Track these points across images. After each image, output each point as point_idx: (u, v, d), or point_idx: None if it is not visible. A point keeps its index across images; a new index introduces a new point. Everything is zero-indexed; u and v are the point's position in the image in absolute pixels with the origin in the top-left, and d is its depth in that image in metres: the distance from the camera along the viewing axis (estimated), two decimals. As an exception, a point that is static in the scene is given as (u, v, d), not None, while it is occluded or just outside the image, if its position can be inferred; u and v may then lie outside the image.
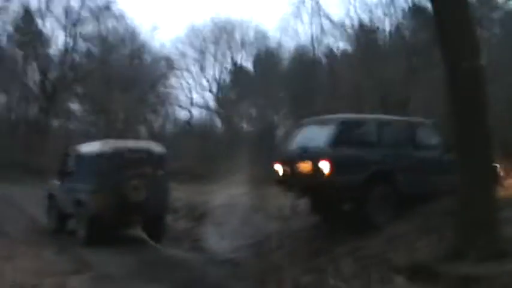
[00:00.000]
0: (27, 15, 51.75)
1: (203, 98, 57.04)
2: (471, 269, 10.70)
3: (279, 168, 16.01)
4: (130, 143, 19.53)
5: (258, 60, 56.04)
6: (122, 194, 17.06)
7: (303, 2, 15.19)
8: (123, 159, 17.56)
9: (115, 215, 17.45)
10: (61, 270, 13.27)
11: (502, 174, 18.08)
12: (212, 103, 56.22)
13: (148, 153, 18.09)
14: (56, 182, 20.71)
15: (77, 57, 54.13)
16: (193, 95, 57.26)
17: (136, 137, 48.98)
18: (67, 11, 51.14)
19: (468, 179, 11.64)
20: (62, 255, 15.36)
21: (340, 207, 16.45)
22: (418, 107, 32.62)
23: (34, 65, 54.70)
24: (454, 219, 12.14)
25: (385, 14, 33.74)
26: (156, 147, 18.60)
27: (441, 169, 14.90)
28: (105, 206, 17.21)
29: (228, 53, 56.19)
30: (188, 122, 55.81)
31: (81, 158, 18.83)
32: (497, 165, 16.63)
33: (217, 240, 17.21)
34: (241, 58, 57.30)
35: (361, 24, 36.43)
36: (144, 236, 17.35)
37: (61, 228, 20.00)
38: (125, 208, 17.22)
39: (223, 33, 55.88)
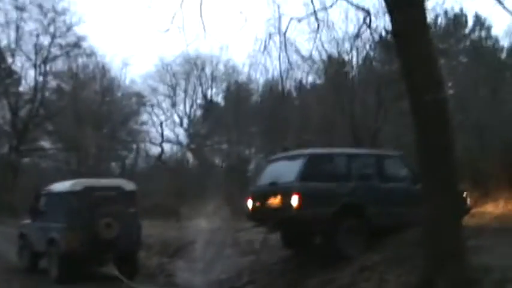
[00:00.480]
0: (-3, 52, 51.58)
1: (174, 133, 57.01)
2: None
3: (250, 203, 16.14)
4: (102, 181, 19.58)
5: (228, 95, 56.18)
6: (94, 232, 17.09)
7: (270, 37, 15.37)
8: (95, 197, 17.60)
9: (87, 252, 17.46)
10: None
11: (469, 202, 18.29)
12: (184, 138, 56.22)
13: (120, 190, 18.14)
14: (28, 221, 20.66)
15: (47, 94, 54.00)
16: (164, 130, 57.21)
17: (108, 173, 48.82)
18: (37, 48, 50.98)
19: (434, 209, 11.81)
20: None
21: (311, 240, 16.57)
22: (388, 139, 32.97)
23: (4, 102, 54.43)
24: (423, 250, 12.30)
25: (352, 47, 34.04)
26: (127, 184, 18.65)
27: (410, 200, 15.04)
28: (77, 244, 17.22)
29: (199, 88, 56.34)
30: (160, 158, 55.69)
31: (53, 196, 18.87)
32: (466, 194, 16.88)
33: (191, 276, 17.20)
34: (212, 93, 57.49)
35: (330, 57, 36.68)
36: (117, 273, 17.28)
37: (33, 267, 19.94)
38: (97, 245, 17.23)
39: (193, 69, 56.03)
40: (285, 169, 15.51)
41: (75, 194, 17.66)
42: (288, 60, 17.03)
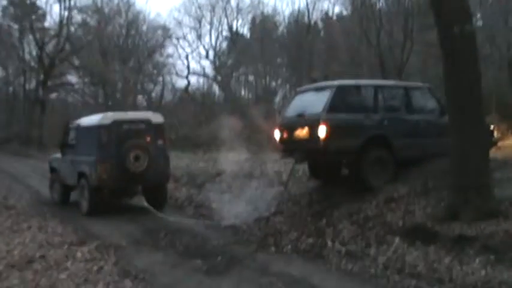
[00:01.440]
0: (21, -12, 51.67)
1: (201, 65, 57.09)
2: (466, 229, 10.99)
3: (277, 134, 16.23)
4: (130, 114, 19.69)
5: (254, 27, 55.95)
6: (123, 165, 17.30)
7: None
8: (123, 130, 17.77)
9: (117, 185, 17.75)
10: (67, 241, 13.49)
11: (497, 135, 18.31)
12: (210, 70, 56.25)
13: (148, 123, 18.26)
14: (58, 155, 20.94)
15: (72, 29, 54.08)
16: (190, 63, 57.27)
17: (135, 107, 49.21)
18: (61, -17, 51.01)
19: (462, 141, 11.90)
20: (66, 227, 15.56)
21: (339, 172, 16.69)
22: (414, 70, 32.85)
23: (30, 38, 54.72)
24: (449, 181, 12.40)
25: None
26: (155, 117, 18.75)
27: (437, 132, 15.14)
28: (107, 177, 17.46)
29: (225, 20, 56.14)
30: (186, 90, 55.84)
31: (82, 130, 19.05)
32: (493, 127, 16.88)
33: (219, 207, 17.44)
34: (238, 25, 57.25)
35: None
36: (146, 205, 17.55)
37: (64, 200, 20.28)
38: (126, 178, 17.47)
39: (218, 1, 55.78)
40: (313, 100, 15.50)
41: (104, 127, 17.81)
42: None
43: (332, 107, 14.65)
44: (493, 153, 13.96)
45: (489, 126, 15.89)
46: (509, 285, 8.92)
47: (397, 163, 15.20)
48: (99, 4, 53.11)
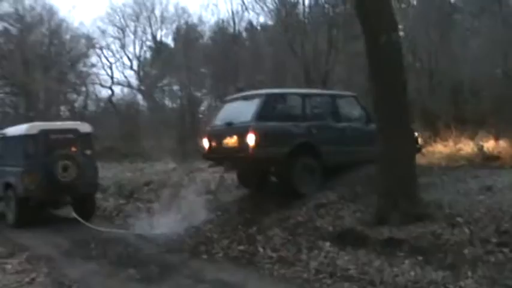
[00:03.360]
0: None
1: (125, 75, 56.65)
2: (394, 232, 11.28)
3: (206, 143, 16.30)
4: (57, 124, 19.61)
5: (178, 36, 55.86)
6: (51, 175, 17.16)
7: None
8: (51, 140, 17.63)
9: (45, 195, 17.55)
10: (-5, 253, 13.35)
11: (421, 142, 18.79)
12: (134, 80, 55.94)
13: (76, 133, 18.18)
14: (-17, 166, 20.62)
15: (-6, 38, 53.05)
16: (114, 73, 56.86)
17: (58, 117, 48.52)
18: (-19, -10, 50.09)
19: (389, 148, 12.18)
20: (-7, 239, 15.40)
21: (268, 180, 16.86)
22: (338, 80, 33.33)
23: None
24: (377, 187, 12.68)
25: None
26: (83, 127, 18.67)
27: (363, 139, 15.45)
28: (34, 187, 17.29)
29: (149, 30, 55.93)
30: (110, 100, 55.39)
31: (8, 140, 18.82)
32: (417, 134, 17.32)
33: (148, 216, 17.43)
34: (162, 34, 57.09)
35: (281, -2, 36.75)
36: (75, 215, 17.42)
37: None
38: (54, 188, 17.32)
39: (143, 10, 55.56)
40: (241, 109, 15.60)
41: (31, 137, 17.66)
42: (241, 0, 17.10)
43: (261, 115, 14.80)
44: (417, 159, 14.30)
45: (413, 133, 16.31)
46: (438, 285, 9.21)
47: (325, 170, 15.43)
48: (21, 12, 52.24)
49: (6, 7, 51.69)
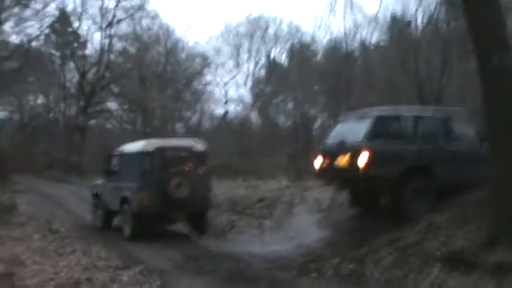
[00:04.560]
0: (63, 16, 52.43)
1: (238, 93, 57.41)
2: (506, 256, 11.04)
3: (318, 161, 16.36)
4: (173, 142, 20.09)
5: (292, 54, 56.26)
6: (165, 191, 17.61)
7: (336, -2, 15.40)
8: (166, 157, 18.10)
9: (159, 211, 18.04)
10: (111, 265, 13.78)
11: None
12: (248, 98, 56.59)
13: (190, 150, 18.58)
14: (100, 181, 21.35)
15: (112, 57, 54.75)
16: (228, 91, 57.69)
17: (173, 134, 49.59)
18: (102, 12, 51.84)
19: (501, 170, 11.92)
20: (110, 251, 15.87)
21: (379, 200, 16.77)
22: (452, 99, 32.77)
23: (71, 66, 55.51)
24: (489, 209, 12.46)
25: (417, 7, 33.70)
26: (198, 144, 19.07)
27: (476, 159, 15.13)
28: (149, 203, 17.80)
29: (263, 48, 56.55)
30: (224, 118, 56.20)
31: (125, 157, 19.44)
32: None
33: (259, 233, 17.65)
34: (276, 53, 57.63)
35: (394, 17, 36.50)
36: (188, 230, 17.79)
37: (107, 225, 20.66)
38: (168, 204, 17.77)
39: (257, 29, 56.25)
40: (354, 129, 15.57)
41: (147, 154, 18.18)
42: (354, 19, 17.09)
43: (373, 135, 14.76)
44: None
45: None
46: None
47: (437, 192, 15.21)
48: (138, 32, 53.73)
49: (125, 28, 53.26)
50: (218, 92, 58.85)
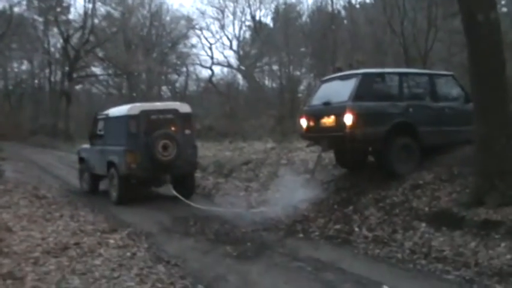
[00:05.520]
0: (46, -20, 52.04)
1: (224, 56, 57.27)
2: (491, 214, 11.12)
3: (303, 122, 16.36)
4: (158, 105, 20.03)
5: (277, 16, 56.01)
6: (152, 154, 17.60)
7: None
8: (152, 120, 18.06)
9: (146, 174, 18.05)
10: (99, 229, 13.80)
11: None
12: (234, 60, 56.45)
13: (176, 113, 18.53)
14: (86, 146, 21.33)
15: (97, 21, 54.45)
16: (214, 53, 57.54)
17: (159, 97, 49.52)
18: (85, -25, 51.40)
19: (486, 128, 11.96)
20: (97, 215, 15.92)
21: (365, 159, 16.82)
22: (439, 58, 32.80)
23: (55, 31, 55.18)
24: (473, 168, 12.52)
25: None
26: (183, 107, 19.01)
27: (461, 119, 15.17)
28: (136, 166, 17.79)
29: (248, 10, 56.27)
30: (210, 80, 56.10)
31: (111, 121, 19.37)
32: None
33: (246, 195, 17.68)
34: (261, 14, 57.38)
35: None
36: (175, 193, 17.80)
37: (93, 189, 20.69)
38: (155, 167, 17.78)
39: (241, -10, 55.91)
40: (339, 89, 15.54)
41: (132, 117, 18.10)
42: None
43: (358, 95, 14.73)
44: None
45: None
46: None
47: (422, 150, 15.27)
48: (123, -4, 53.42)
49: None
50: (204, 55, 58.74)
